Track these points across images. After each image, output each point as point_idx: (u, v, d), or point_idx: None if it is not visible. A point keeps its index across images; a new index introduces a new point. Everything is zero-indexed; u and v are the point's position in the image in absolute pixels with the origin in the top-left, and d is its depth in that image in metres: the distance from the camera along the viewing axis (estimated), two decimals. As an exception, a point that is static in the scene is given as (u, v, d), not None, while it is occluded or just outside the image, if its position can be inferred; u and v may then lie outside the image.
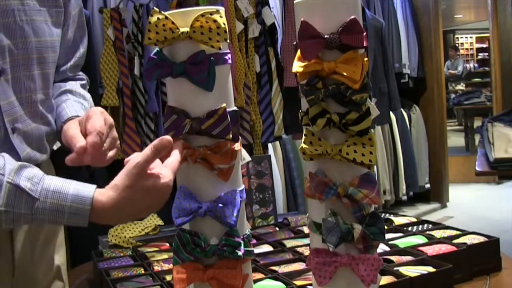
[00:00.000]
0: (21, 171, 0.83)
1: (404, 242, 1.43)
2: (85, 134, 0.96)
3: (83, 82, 1.25)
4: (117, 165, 0.92)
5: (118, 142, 1.03)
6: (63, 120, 1.08)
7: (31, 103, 1.03)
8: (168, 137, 0.84)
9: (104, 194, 0.82)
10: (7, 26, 0.96)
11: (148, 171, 0.82)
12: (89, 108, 1.17)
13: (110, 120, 1.01)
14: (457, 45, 12.45)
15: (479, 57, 13.13)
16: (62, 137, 1.03)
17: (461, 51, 12.38)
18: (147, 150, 0.82)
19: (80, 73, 1.26)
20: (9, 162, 0.83)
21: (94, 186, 0.84)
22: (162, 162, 0.85)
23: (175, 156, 0.85)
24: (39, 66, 1.03)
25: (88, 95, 1.22)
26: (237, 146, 0.92)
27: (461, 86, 9.54)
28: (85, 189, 0.83)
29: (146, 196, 0.82)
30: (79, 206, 0.81)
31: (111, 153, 1.00)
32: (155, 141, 0.83)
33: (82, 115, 1.05)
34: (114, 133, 1.01)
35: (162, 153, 0.84)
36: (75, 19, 1.16)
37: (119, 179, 0.82)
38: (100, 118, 0.98)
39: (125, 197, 0.82)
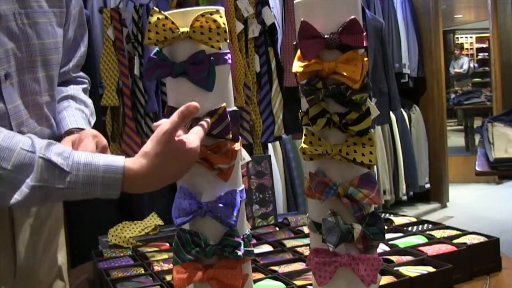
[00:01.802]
0: (50, 146, 0.83)
1: (404, 242, 1.43)
2: None
3: (85, 86, 1.25)
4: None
5: None
6: (62, 132, 1.08)
7: (37, 106, 1.03)
8: (194, 103, 0.84)
9: (136, 162, 0.83)
10: (9, 29, 0.95)
11: (176, 138, 0.83)
12: (89, 115, 1.17)
13: (103, 143, 1.01)
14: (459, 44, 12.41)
15: (479, 57, 13.10)
16: None
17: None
18: (175, 117, 0.83)
19: (82, 74, 1.26)
20: (37, 139, 0.84)
21: (123, 156, 0.84)
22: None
23: (202, 124, 0.87)
24: (44, 68, 1.03)
25: (89, 101, 1.22)
26: (237, 146, 0.92)
27: (468, 87, 9.38)
28: (116, 160, 0.83)
29: (175, 161, 0.83)
30: (112, 175, 0.81)
31: None
32: (182, 107, 0.83)
33: (82, 127, 1.06)
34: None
35: (188, 119, 0.85)
36: (76, 18, 1.15)
37: (150, 146, 0.83)
38: (91, 143, 0.98)
39: (156, 164, 0.82)
